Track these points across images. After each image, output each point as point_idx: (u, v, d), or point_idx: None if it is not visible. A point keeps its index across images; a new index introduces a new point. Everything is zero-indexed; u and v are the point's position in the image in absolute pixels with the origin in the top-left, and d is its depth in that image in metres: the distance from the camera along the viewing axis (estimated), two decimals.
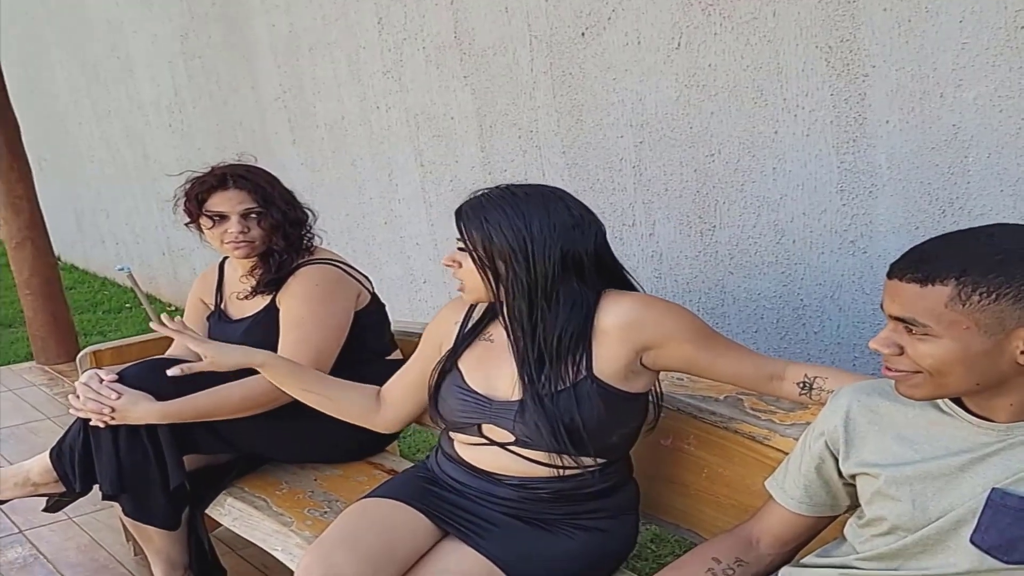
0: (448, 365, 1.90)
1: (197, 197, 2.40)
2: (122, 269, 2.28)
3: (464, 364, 1.89)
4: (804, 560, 1.54)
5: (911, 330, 1.27)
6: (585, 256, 1.77)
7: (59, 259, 7.10)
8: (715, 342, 1.79)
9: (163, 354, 2.66)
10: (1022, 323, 1.20)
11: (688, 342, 1.77)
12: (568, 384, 1.74)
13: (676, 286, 2.80)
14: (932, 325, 1.24)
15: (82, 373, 2.39)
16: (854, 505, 1.50)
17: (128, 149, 6.41)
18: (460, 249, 1.81)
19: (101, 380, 2.28)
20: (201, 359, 2.06)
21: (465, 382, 1.86)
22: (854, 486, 1.46)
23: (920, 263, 1.25)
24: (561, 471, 1.78)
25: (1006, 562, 1.26)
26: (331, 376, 2.15)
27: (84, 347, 3.02)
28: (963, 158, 2.02)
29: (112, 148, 6.66)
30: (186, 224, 2.48)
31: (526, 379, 1.75)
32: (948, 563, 1.31)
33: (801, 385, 1.77)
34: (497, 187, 1.83)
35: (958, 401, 1.34)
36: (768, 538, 1.58)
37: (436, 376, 1.92)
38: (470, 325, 1.95)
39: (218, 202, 2.38)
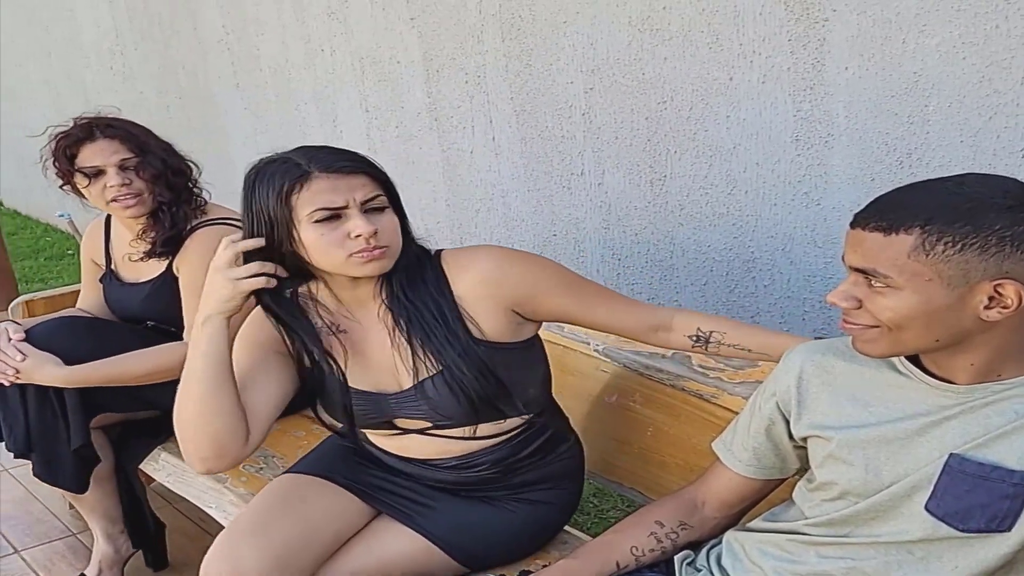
0: (315, 377, 1.66)
1: (66, 153, 2.21)
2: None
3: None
4: (751, 524, 1.50)
5: (871, 282, 1.21)
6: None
7: (0, 204, 6.89)
8: (586, 290, 1.69)
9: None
10: (987, 276, 1.14)
11: (556, 292, 1.66)
12: (461, 350, 1.60)
13: (624, 237, 2.73)
14: (894, 276, 1.18)
15: (10, 322, 2.29)
16: (804, 468, 1.45)
17: (70, 93, 6.19)
18: (373, 209, 1.56)
19: (10, 338, 2.18)
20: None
21: (348, 385, 1.66)
22: (805, 449, 1.41)
23: (885, 211, 1.19)
24: (491, 439, 1.68)
25: (962, 530, 1.22)
26: None
27: (25, 294, 2.97)
28: (923, 107, 1.95)
29: (53, 91, 6.43)
30: (61, 187, 2.29)
31: (433, 354, 1.60)
32: (901, 530, 1.27)
33: (694, 338, 1.68)
34: None
35: (916, 362, 1.28)
36: (714, 501, 1.54)
37: (300, 391, 1.68)
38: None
39: (90, 155, 2.20)
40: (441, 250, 1.69)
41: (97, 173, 2.21)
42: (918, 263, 1.16)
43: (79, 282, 2.66)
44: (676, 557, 1.50)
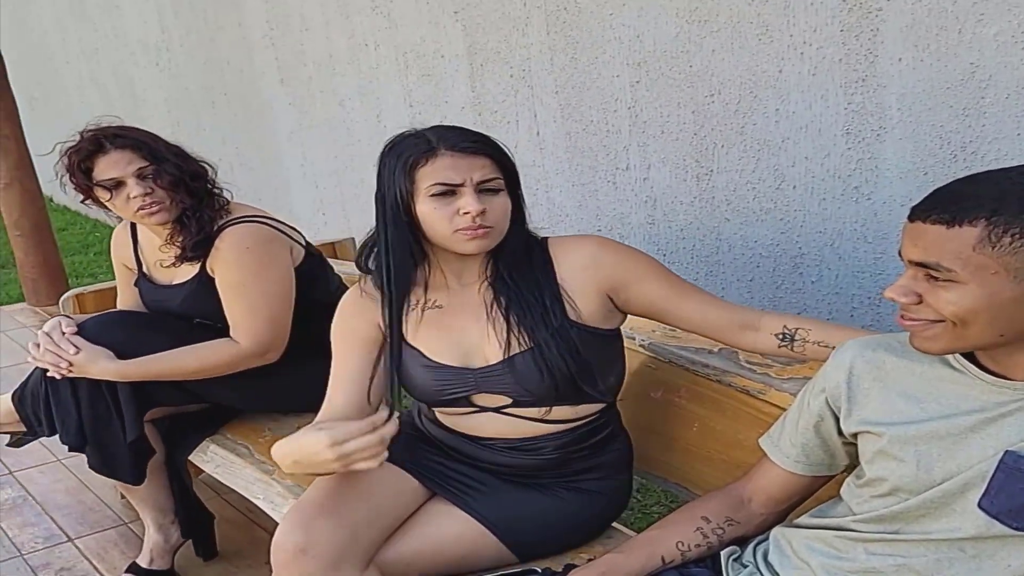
0: (399, 352, 1.72)
1: (80, 167, 2.19)
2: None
3: (419, 342, 1.71)
4: (798, 520, 1.48)
5: (932, 277, 1.17)
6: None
7: (50, 200, 7.00)
8: (680, 283, 1.72)
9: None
10: None
11: (653, 281, 1.69)
12: (554, 330, 1.64)
13: (670, 232, 2.70)
14: (957, 270, 1.14)
15: (63, 316, 2.32)
16: (852, 465, 1.43)
17: (117, 89, 6.27)
18: (488, 190, 1.60)
19: (63, 332, 2.20)
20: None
21: (431, 360, 1.69)
22: (854, 445, 1.38)
23: (947, 203, 1.16)
24: (563, 424, 1.70)
25: (1015, 528, 1.19)
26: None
27: (75, 288, 2.99)
28: (979, 99, 1.91)
29: (101, 87, 6.52)
30: (83, 202, 2.28)
31: (527, 331, 1.64)
32: (952, 527, 1.24)
33: (781, 336, 1.67)
34: None
35: (971, 358, 1.25)
36: (761, 497, 1.52)
37: (390, 363, 1.72)
38: (397, 299, 1.72)
39: (105, 168, 2.18)
40: (547, 237, 1.74)
41: (117, 185, 2.18)
42: (983, 256, 1.13)
43: None
44: (722, 553, 1.48)
